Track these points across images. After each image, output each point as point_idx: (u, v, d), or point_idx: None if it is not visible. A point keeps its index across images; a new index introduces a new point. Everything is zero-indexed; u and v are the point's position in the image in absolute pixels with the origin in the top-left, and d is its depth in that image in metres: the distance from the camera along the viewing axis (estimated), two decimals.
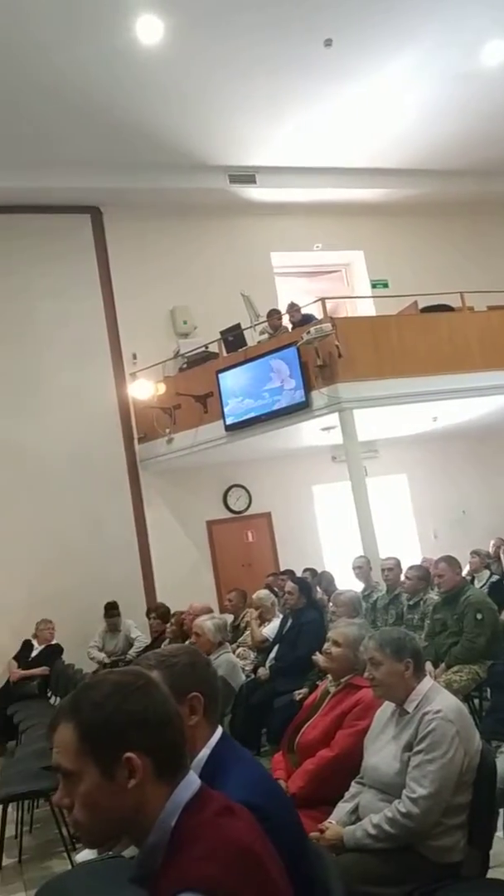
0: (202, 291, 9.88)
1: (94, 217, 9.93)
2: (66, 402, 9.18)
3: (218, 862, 1.17)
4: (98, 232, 9.92)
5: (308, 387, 7.85)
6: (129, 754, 1.24)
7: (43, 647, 8.07)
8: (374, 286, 10.94)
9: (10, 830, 4.58)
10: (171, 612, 7.56)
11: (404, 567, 6.50)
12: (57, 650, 8.01)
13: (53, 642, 8.09)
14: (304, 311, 8.84)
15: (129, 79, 7.82)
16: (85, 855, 4.34)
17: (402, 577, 6.32)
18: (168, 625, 7.15)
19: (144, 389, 9.07)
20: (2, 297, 9.23)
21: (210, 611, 5.79)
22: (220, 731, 1.83)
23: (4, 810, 4.47)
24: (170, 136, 8.88)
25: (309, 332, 7.61)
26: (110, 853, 3.80)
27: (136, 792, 1.24)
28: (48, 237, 9.51)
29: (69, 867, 4.22)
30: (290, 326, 8.80)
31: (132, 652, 7.93)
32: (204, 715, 1.81)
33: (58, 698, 7.46)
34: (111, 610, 8.20)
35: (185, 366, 9.39)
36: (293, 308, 8.91)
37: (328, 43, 7.78)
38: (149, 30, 7.24)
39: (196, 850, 1.20)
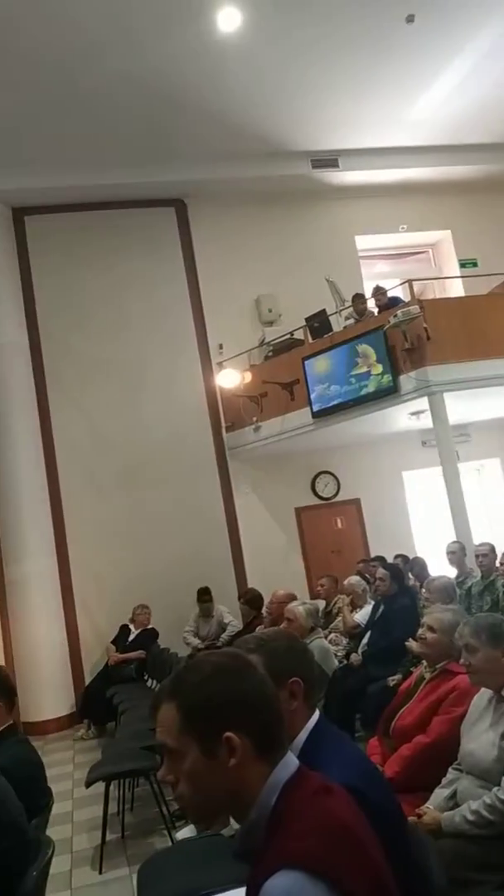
0: (286, 279, 9.87)
1: (178, 209, 10.06)
2: (157, 394, 9.39)
3: (319, 839, 1.20)
4: (183, 224, 10.05)
5: (396, 371, 7.75)
6: (228, 734, 1.28)
7: (139, 631, 8.29)
8: (462, 266, 10.67)
9: (112, 808, 4.75)
10: (262, 597, 7.63)
11: (499, 553, 6.35)
12: (153, 634, 8.23)
13: (149, 627, 8.30)
14: (390, 294, 8.71)
15: (210, 70, 7.86)
16: (185, 833, 4.46)
17: (497, 563, 6.18)
18: (261, 610, 7.22)
19: (231, 378, 9.15)
20: (95, 292, 9.48)
21: (294, 597, 5.80)
22: (317, 714, 1.86)
23: (107, 788, 4.64)
24: (251, 124, 8.88)
25: (396, 316, 7.50)
26: (209, 831, 3.90)
27: (236, 770, 1.28)
28: (136, 232, 9.71)
29: (169, 844, 4.36)
30: (376, 310, 8.70)
31: (224, 636, 8.05)
32: (303, 700, 1.83)
33: (154, 681, 7.67)
34: (204, 595, 8.34)
35: (270, 354, 9.42)
36: (379, 291, 8.80)
37: (410, 19, 7.59)
38: (228, 19, 7.26)
39: (297, 828, 1.23)
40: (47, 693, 8.28)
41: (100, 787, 4.77)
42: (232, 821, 4.17)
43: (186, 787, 1.31)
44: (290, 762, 1.34)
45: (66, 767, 6.63)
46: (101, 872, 4.30)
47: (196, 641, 8.18)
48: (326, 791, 1.32)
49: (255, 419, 9.01)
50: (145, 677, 7.93)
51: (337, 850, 1.19)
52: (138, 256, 9.68)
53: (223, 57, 7.68)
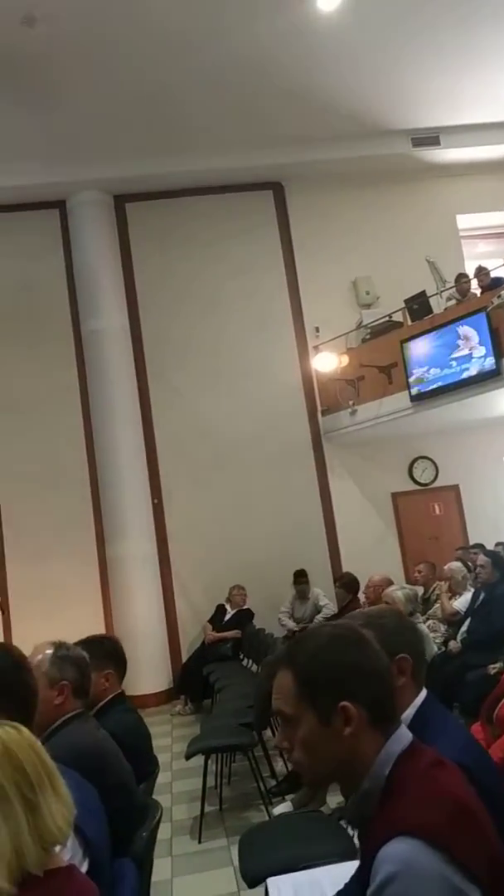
0: (385, 260, 9.72)
1: (276, 192, 10.05)
2: (252, 378, 9.45)
3: (436, 810, 1.20)
4: (280, 207, 10.04)
5: (499, 354, 7.51)
6: (344, 703, 1.30)
7: (235, 611, 8.42)
8: None
9: (209, 781, 4.87)
10: (357, 581, 7.60)
11: None
12: (248, 615, 8.34)
13: (245, 607, 8.42)
14: (493, 274, 8.45)
15: (308, 51, 7.77)
16: (282, 809, 4.54)
17: None
18: (357, 594, 7.20)
19: (327, 362, 9.10)
20: (191, 277, 9.62)
21: (391, 582, 5.75)
22: (424, 692, 1.85)
23: (206, 761, 4.76)
24: (349, 104, 8.76)
25: (500, 296, 7.28)
26: (308, 808, 3.95)
27: (351, 739, 1.30)
28: (234, 216, 9.77)
29: (266, 819, 4.44)
30: (478, 291, 8.45)
31: (319, 618, 8.07)
32: (411, 677, 1.83)
33: (250, 661, 7.78)
34: (300, 577, 8.39)
35: (368, 336, 9.31)
36: (482, 272, 8.54)
37: None
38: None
39: (412, 798, 1.24)
40: (146, 668, 8.53)
41: (198, 760, 4.91)
42: (328, 799, 4.21)
43: (301, 754, 1.34)
44: (404, 735, 1.35)
45: (164, 741, 6.82)
46: (200, 842, 4.43)
47: (291, 624, 8.23)
48: (440, 765, 1.32)
49: (351, 403, 8.94)
50: (241, 656, 8.05)
51: (454, 821, 1.19)
52: (235, 241, 9.74)
53: (321, 37, 7.59)
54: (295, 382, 9.64)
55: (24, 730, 1.52)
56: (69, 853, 1.71)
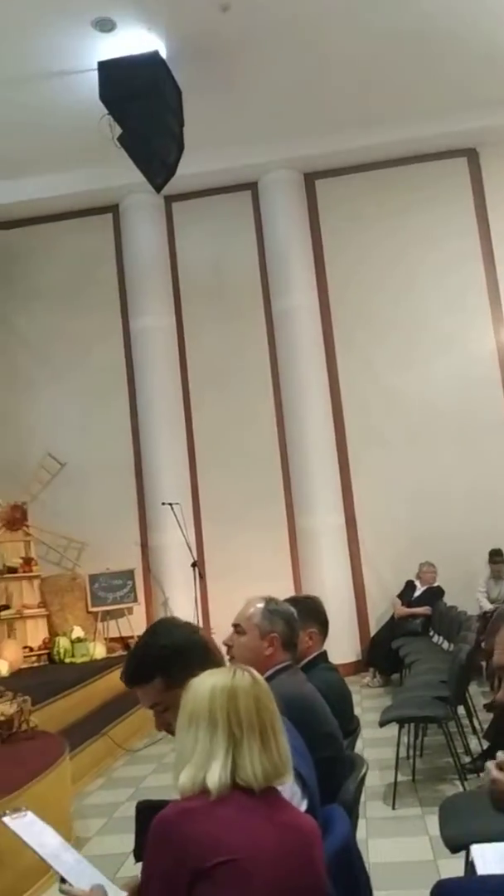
0: None
1: (470, 159, 9.66)
2: (445, 350, 9.20)
3: None
4: (475, 174, 9.63)
5: None
6: None
7: (425, 588, 8.33)
8: None
9: (401, 752, 4.89)
10: None
11: None
12: (438, 592, 8.22)
13: (435, 585, 8.30)
14: None
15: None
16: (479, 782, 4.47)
17: None
18: None
19: None
20: (382, 250, 9.51)
21: None
22: None
23: (400, 731, 4.79)
24: None
25: None
26: None
27: None
28: (425, 186, 9.50)
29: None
30: None
31: None
32: None
33: (441, 637, 7.69)
34: (496, 556, 8.12)
35: None
36: None
37: None
38: None
39: None
40: (335, 639, 8.59)
41: (388, 731, 4.93)
42: None
43: None
44: None
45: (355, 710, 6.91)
46: (394, 808, 4.48)
47: (488, 605, 8.00)
48: None
49: None
50: (430, 633, 7.96)
51: None
52: (426, 211, 9.49)
53: None
54: (489, 355, 9.26)
55: (259, 681, 1.68)
56: (288, 793, 1.80)
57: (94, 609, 8.82)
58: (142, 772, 5.75)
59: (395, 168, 9.58)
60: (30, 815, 1.94)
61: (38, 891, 3.61)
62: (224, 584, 8.83)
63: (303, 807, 1.89)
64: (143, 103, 6.77)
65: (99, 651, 8.16)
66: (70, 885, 1.76)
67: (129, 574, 8.95)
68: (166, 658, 1.96)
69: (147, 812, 1.69)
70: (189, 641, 2.01)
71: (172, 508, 8.27)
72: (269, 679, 2.53)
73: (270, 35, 7.42)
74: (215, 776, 1.54)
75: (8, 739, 4.65)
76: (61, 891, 1.77)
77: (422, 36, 7.63)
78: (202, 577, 8.61)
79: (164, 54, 7.04)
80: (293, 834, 1.59)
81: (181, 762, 1.59)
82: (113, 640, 8.70)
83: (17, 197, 9.36)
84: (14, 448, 9.48)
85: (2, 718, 4.67)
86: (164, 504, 8.47)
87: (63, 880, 1.78)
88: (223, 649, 2.44)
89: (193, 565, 8.35)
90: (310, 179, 9.77)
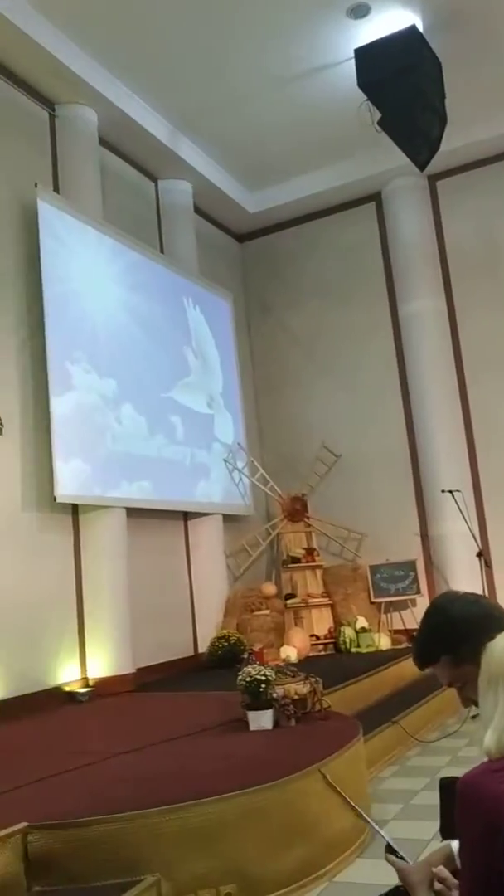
0: None
1: None
2: None
3: None
4: None
5: None
6: None
7: None
8: None
9: None
10: None
11: None
12: None
13: None
14: None
15: None
16: None
17: None
18: None
19: None
20: None
21: None
22: None
23: None
24: None
25: None
26: None
27: None
28: None
29: None
30: None
31: None
32: None
33: None
34: None
35: None
36: None
37: None
38: None
39: None
40: None
41: None
42: None
43: None
44: None
45: None
46: None
47: None
48: None
49: None
50: None
51: None
52: None
53: None
54: None
55: None
56: None
57: (377, 600, 8.79)
58: (436, 762, 5.58)
59: None
60: None
61: (340, 865, 3.63)
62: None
63: None
64: (402, 81, 6.64)
65: (384, 642, 8.10)
66: (398, 854, 1.82)
67: (411, 565, 8.80)
68: (445, 636, 1.90)
69: (452, 788, 1.62)
70: (466, 614, 1.89)
71: (453, 496, 7.96)
72: None
73: None
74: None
75: (302, 718, 4.75)
76: (388, 860, 1.83)
77: None
78: (488, 566, 8.20)
79: (420, 28, 6.86)
80: None
81: (484, 726, 1.57)
82: (397, 631, 8.60)
83: (285, 199, 9.74)
84: (292, 442, 9.85)
85: (296, 697, 4.79)
86: (443, 492, 8.19)
87: (389, 849, 1.85)
88: None
89: (479, 555, 7.97)
90: (432, 181, 9.43)
